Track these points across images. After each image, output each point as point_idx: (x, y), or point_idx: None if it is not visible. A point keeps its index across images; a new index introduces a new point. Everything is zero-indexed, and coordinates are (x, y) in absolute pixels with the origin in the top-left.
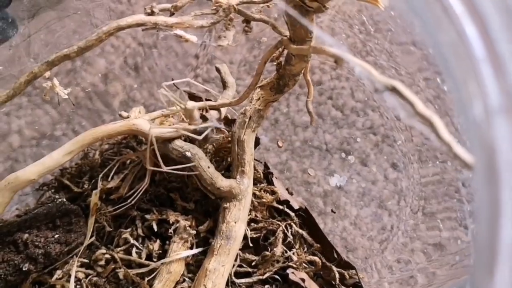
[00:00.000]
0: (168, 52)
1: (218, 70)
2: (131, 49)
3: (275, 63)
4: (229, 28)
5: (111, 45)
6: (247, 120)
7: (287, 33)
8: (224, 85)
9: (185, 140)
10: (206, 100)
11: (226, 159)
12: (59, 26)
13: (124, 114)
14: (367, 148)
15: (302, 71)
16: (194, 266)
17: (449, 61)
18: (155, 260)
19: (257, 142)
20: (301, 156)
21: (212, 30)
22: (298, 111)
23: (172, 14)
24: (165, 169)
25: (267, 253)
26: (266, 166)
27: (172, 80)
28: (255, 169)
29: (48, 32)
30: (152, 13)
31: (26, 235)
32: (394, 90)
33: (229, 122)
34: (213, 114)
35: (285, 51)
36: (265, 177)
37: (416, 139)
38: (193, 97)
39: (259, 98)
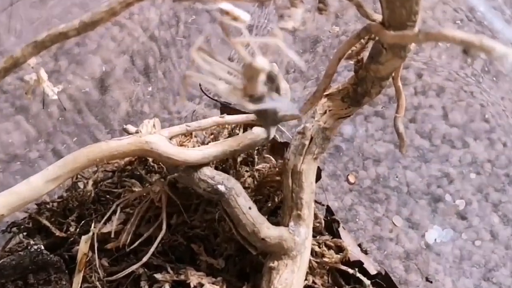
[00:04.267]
0: (190, 51)
1: None
2: (140, 45)
3: (352, 61)
4: (295, 4)
5: (111, 38)
6: (307, 142)
7: (376, 16)
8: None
9: (216, 168)
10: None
11: (273, 199)
12: None
13: (131, 128)
14: (466, 193)
15: (392, 74)
16: None
17: None
18: None
19: (318, 175)
20: (372, 200)
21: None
22: (367, 137)
23: None
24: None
25: None
26: (329, 211)
27: (200, 85)
28: (314, 214)
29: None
30: None
31: None
32: None
33: (277, 146)
34: (257, 131)
35: (369, 45)
36: (327, 227)
37: None
38: (226, 108)
39: (325, 112)
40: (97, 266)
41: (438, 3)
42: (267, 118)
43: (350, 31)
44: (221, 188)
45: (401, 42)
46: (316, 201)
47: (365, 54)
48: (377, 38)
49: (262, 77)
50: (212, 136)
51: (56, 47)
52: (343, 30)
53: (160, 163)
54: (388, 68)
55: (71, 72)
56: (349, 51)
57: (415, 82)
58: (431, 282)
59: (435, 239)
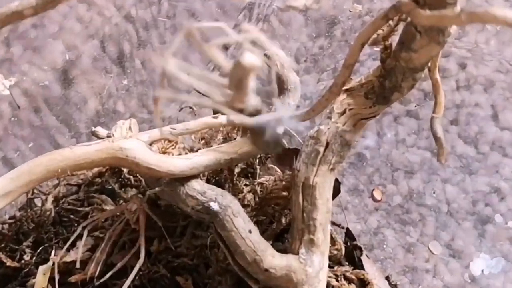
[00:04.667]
0: (176, 35)
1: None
2: (113, 27)
3: (377, 47)
4: None
5: (76, 19)
6: (321, 149)
7: None
8: (282, 88)
9: (208, 181)
10: None
11: (279, 219)
12: None
13: (102, 131)
14: None
15: (429, 64)
16: None
17: None
18: None
19: (336, 190)
20: (404, 221)
21: None
22: (398, 143)
23: None
24: None
25: None
26: (349, 235)
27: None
28: (331, 239)
29: None
30: None
31: None
32: None
33: (285, 154)
34: None
35: (399, 28)
36: (348, 255)
37: None
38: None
39: (344, 111)
40: None
41: None
42: (267, 142)
43: (376, 11)
44: (214, 206)
45: (439, 24)
46: (333, 223)
47: (395, 39)
48: (409, 19)
49: (252, 83)
50: (203, 141)
51: (8, 29)
52: (367, 9)
53: (138, 175)
54: (422, 56)
55: (27, 61)
56: (375, 36)
57: (457, 74)
58: None
59: (483, 270)
